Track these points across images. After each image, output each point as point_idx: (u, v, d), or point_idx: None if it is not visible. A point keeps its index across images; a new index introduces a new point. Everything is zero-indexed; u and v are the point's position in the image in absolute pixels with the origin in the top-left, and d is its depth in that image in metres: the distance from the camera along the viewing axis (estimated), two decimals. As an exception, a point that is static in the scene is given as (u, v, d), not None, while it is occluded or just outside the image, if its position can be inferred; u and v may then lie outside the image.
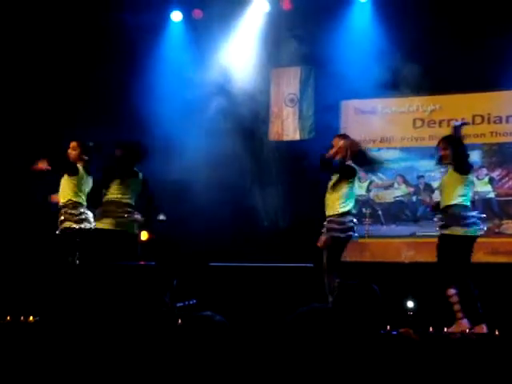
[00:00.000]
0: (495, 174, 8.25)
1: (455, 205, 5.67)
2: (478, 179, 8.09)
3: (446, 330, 5.65)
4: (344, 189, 5.88)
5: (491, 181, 8.25)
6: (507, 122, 8.19)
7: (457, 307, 5.63)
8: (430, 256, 6.28)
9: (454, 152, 5.77)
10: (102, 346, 4.85)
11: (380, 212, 8.40)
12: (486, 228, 7.40)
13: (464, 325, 5.56)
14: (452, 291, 5.63)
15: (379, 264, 7.92)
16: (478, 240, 6.75)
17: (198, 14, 8.86)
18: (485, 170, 8.29)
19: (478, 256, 7.32)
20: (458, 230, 5.64)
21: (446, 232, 5.67)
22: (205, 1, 8.66)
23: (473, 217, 5.76)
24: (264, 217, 8.35)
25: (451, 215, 5.67)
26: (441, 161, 5.97)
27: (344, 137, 6.22)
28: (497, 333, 5.32)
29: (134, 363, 4.62)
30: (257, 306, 6.04)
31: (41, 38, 8.52)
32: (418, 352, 4.30)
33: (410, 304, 6.54)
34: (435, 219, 6.03)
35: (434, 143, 6.49)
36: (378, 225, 8.34)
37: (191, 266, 7.04)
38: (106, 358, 4.71)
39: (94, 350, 4.82)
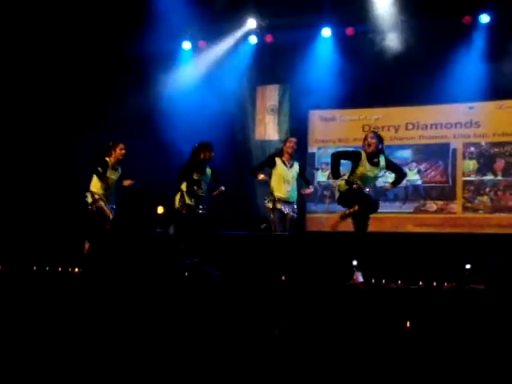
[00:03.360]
0: (422, 167, 9.19)
1: None
2: (410, 170, 9.02)
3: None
4: None
5: (419, 172, 9.17)
6: (431, 128, 9.19)
7: None
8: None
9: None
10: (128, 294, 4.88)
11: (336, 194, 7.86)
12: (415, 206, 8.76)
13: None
14: None
15: (336, 233, 7.92)
16: (409, 215, 8.35)
17: (202, 44, 9.67)
18: (414, 164, 9.23)
19: (409, 227, 8.96)
20: None
21: None
22: (208, 34, 9.47)
23: None
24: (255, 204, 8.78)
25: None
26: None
27: None
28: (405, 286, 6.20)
29: (150, 307, 4.51)
30: (256, 267, 6.21)
31: (63, 66, 9.11)
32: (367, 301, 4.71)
33: (355, 262, 6.81)
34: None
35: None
36: (334, 204, 8.23)
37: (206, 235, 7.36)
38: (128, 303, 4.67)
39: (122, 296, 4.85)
